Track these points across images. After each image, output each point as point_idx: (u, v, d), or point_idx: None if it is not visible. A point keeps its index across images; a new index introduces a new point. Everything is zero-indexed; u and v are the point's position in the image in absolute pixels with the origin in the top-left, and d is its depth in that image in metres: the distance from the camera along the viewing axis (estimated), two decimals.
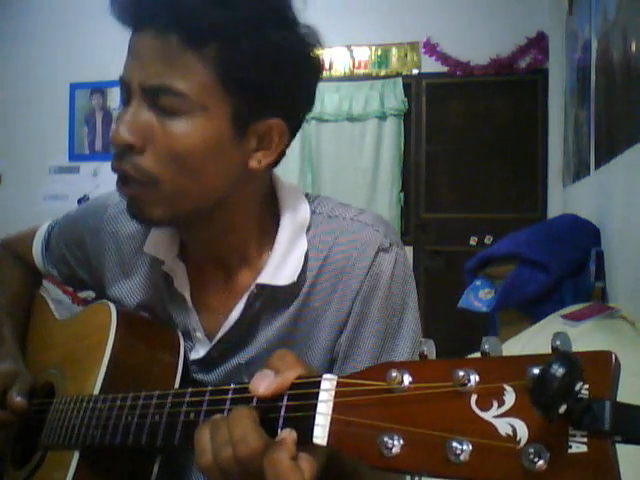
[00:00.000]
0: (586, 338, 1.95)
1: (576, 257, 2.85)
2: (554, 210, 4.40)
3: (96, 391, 0.84)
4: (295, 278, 0.87)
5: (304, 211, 0.92)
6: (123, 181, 0.81)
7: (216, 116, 0.79)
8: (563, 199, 4.35)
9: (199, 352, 0.93)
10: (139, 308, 0.98)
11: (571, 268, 2.85)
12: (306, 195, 0.96)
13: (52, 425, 0.90)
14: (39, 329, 1.13)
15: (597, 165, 3.02)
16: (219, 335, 0.91)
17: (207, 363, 0.94)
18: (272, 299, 0.89)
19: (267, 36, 0.78)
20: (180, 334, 0.94)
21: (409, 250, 5.00)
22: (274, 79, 0.80)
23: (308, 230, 0.91)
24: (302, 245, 0.89)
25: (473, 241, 4.81)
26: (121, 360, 0.87)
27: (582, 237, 2.92)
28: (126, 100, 0.80)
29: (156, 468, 0.84)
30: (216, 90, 0.78)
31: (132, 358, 0.89)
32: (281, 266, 0.87)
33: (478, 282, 3.18)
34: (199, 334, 0.93)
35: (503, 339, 2.98)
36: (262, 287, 0.88)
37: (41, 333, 1.12)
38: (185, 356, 0.92)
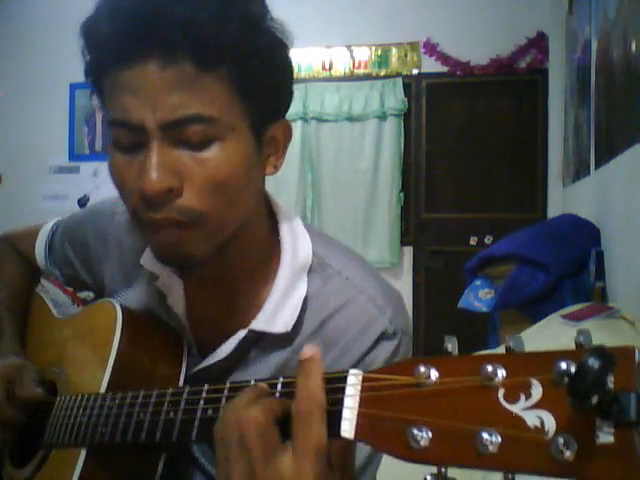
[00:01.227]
0: None
1: (576, 257, 2.86)
2: (554, 210, 4.41)
3: (102, 389, 0.84)
4: (289, 328, 0.83)
5: (306, 249, 0.88)
6: (163, 228, 0.75)
7: (242, 133, 0.76)
8: (563, 199, 4.36)
9: (191, 368, 0.91)
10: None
11: (571, 268, 2.86)
12: (308, 229, 0.91)
13: (56, 423, 0.89)
14: (38, 327, 1.12)
15: (597, 165, 3.03)
16: (206, 363, 0.89)
17: (195, 380, 0.90)
18: (262, 341, 0.86)
19: (269, 41, 0.76)
20: (185, 338, 0.93)
21: (409, 250, 5.01)
22: (279, 81, 0.80)
23: (310, 271, 0.87)
24: (301, 288, 0.85)
25: (473, 241, 4.81)
26: (127, 359, 0.86)
27: (582, 237, 2.92)
28: (137, 145, 0.73)
29: (161, 466, 0.83)
30: (236, 106, 0.75)
31: (138, 357, 0.88)
32: (278, 310, 0.84)
33: (478, 282, 3.19)
34: (193, 350, 0.92)
35: (503, 339, 2.99)
36: (255, 332, 0.85)
37: (40, 331, 1.11)
38: None
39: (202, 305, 0.91)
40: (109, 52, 0.72)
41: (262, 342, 0.86)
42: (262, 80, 0.76)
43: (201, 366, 0.89)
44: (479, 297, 3.14)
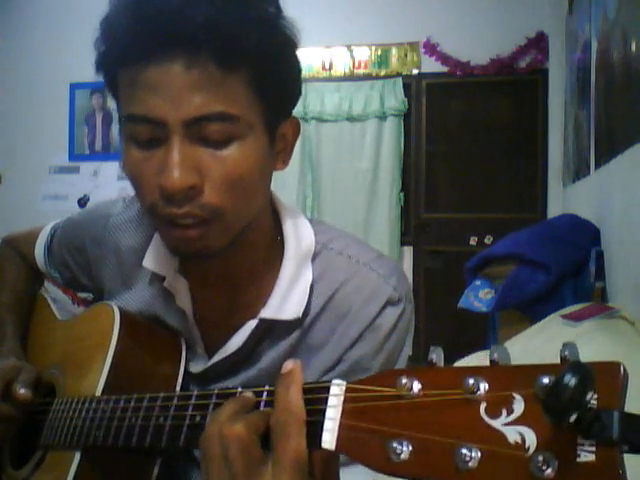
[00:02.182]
0: (586, 338, 1.96)
1: (576, 257, 2.86)
2: (554, 210, 4.41)
3: (98, 392, 0.84)
4: (300, 314, 0.85)
5: (308, 238, 0.90)
6: (183, 226, 0.76)
7: (258, 132, 0.77)
8: (563, 199, 4.36)
9: (197, 366, 0.92)
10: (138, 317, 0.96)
11: (571, 268, 2.85)
12: (310, 220, 0.94)
13: (53, 425, 0.90)
14: (40, 329, 1.13)
15: (597, 165, 3.03)
16: (216, 358, 0.90)
17: (203, 379, 0.92)
18: (273, 329, 0.88)
19: (284, 41, 0.78)
20: (183, 340, 0.94)
21: (409, 250, 5.01)
22: (292, 80, 0.82)
23: (314, 259, 0.89)
24: (307, 275, 0.87)
25: (473, 241, 4.81)
26: (124, 362, 0.87)
27: (582, 237, 2.92)
28: (156, 140, 0.74)
29: (156, 470, 0.83)
30: (255, 105, 0.76)
31: (135, 360, 0.89)
32: (286, 298, 0.86)
33: (478, 282, 3.19)
34: (199, 349, 0.93)
35: (503, 339, 2.99)
36: (265, 320, 0.87)
37: (42, 333, 1.12)
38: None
39: (207, 303, 0.92)
40: (130, 48, 0.72)
41: (273, 331, 0.88)
42: (278, 79, 0.78)
43: (210, 363, 0.90)
44: (479, 297, 3.14)
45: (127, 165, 0.78)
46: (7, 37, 5.69)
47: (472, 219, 4.88)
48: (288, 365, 0.58)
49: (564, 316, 2.34)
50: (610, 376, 0.40)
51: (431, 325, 4.75)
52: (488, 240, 4.67)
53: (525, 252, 2.92)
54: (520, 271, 2.90)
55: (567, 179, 4.19)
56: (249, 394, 0.62)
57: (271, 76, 0.76)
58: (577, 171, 3.71)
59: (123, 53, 0.74)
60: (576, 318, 2.26)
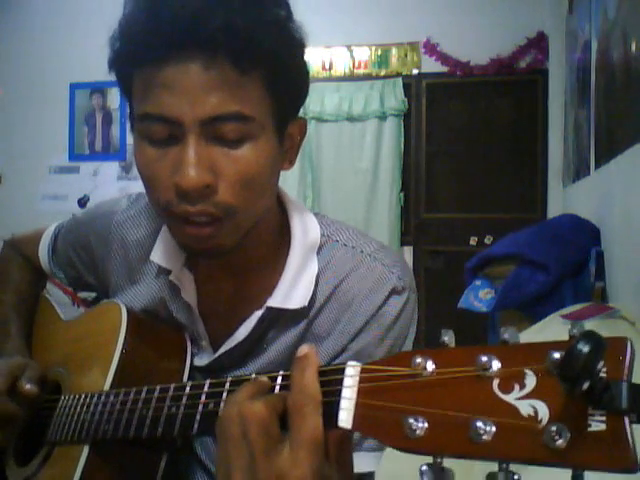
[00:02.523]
0: None
1: (576, 257, 2.86)
2: (554, 210, 4.41)
3: (106, 388, 0.85)
4: (306, 303, 0.87)
5: (314, 231, 0.92)
6: (198, 224, 0.77)
7: (270, 132, 0.79)
8: (563, 199, 4.36)
9: (202, 360, 0.94)
10: (144, 313, 0.98)
11: (571, 268, 2.86)
12: (316, 214, 0.96)
13: (60, 421, 0.90)
14: (44, 329, 1.14)
15: (597, 165, 3.03)
16: (223, 349, 0.91)
17: (209, 372, 0.93)
18: (280, 319, 0.90)
19: (295, 42, 0.80)
20: (188, 336, 0.95)
21: (409, 250, 5.01)
22: (301, 81, 0.83)
23: (319, 251, 0.91)
24: (313, 266, 0.89)
25: (473, 241, 4.82)
26: (131, 359, 0.88)
27: (582, 237, 2.92)
28: (171, 139, 0.76)
29: (163, 463, 0.85)
30: (267, 106, 0.77)
31: (142, 357, 0.90)
32: (292, 288, 0.87)
33: (478, 282, 3.19)
34: (204, 342, 0.94)
35: None
36: (272, 309, 0.88)
37: (46, 333, 1.13)
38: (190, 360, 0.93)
39: (212, 295, 0.93)
40: (148, 49, 0.73)
41: (279, 321, 0.90)
42: (290, 81, 0.80)
43: (216, 355, 0.92)
44: (479, 297, 3.14)
45: (140, 163, 0.79)
46: (7, 37, 5.69)
47: (472, 219, 4.89)
48: (304, 349, 0.59)
49: (564, 316, 2.34)
50: (619, 350, 0.41)
51: (431, 325, 4.76)
52: (488, 240, 4.68)
53: (525, 252, 2.92)
54: (520, 271, 2.91)
55: (567, 179, 4.19)
56: (264, 378, 0.63)
57: (283, 77, 0.78)
58: (577, 171, 3.72)
59: (140, 53, 0.75)
60: (576, 318, 2.27)
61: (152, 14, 0.73)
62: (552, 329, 2.30)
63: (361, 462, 0.84)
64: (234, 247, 0.82)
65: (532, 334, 2.42)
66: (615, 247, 2.60)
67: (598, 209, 2.97)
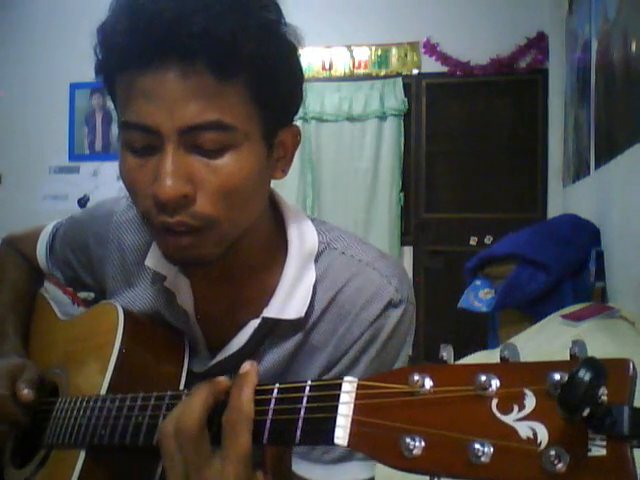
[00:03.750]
0: (586, 338, 1.95)
1: (576, 257, 2.86)
2: (554, 210, 4.41)
3: (102, 392, 0.84)
4: (303, 313, 0.85)
5: (312, 238, 0.90)
6: (177, 233, 0.76)
7: (255, 141, 0.76)
8: (563, 199, 4.37)
9: (200, 366, 0.93)
10: (141, 316, 0.96)
11: (571, 268, 2.86)
12: (314, 220, 0.94)
13: (57, 424, 0.90)
14: (41, 329, 1.13)
15: (597, 165, 3.03)
16: (219, 358, 0.90)
17: (206, 378, 0.92)
18: (276, 329, 0.88)
19: (285, 48, 0.77)
20: (186, 339, 0.94)
21: (409, 250, 5.01)
22: (292, 87, 0.81)
23: (317, 258, 0.89)
24: (310, 275, 0.87)
25: (473, 241, 4.82)
26: (128, 361, 0.87)
27: (582, 237, 2.93)
28: (150, 148, 0.74)
29: (160, 469, 0.83)
30: (252, 114, 0.75)
31: (139, 360, 0.89)
32: (289, 297, 0.86)
33: (478, 282, 3.19)
34: (202, 348, 0.93)
35: (503, 339, 2.99)
36: (268, 319, 0.87)
37: (43, 333, 1.12)
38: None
39: (210, 302, 0.91)
40: (126, 55, 0.72)
41: (275, 331, 0.88)
42: (277, 87, 0.77)
43: (213, 362, 0.91)
44: (479, 297, 3.15)
45: (122, 172, 0.78)
46: (7, 37, 5.69)
47: (472, 219, 4.89)
48: (245, 366, 0.62)
49: (564, 316, 2.35)
50: (620, 372, 0.40)
51: (431, 325, 4.76)
52: (488, 240, 4.67)
53: (525, 252, 2.92)
54: (520, 271, 2.91)
55: (567, 179, 4.19)
56: (221, 378, 0.66)
57: (270, 84, 0.75)
58: (577, 171, 3.72)
59: (119, 60, 0.73)
60: (576, 318, 2.27)
61: (131, 20, 0.71)
62: (552, 329, 2.30)
63: (355, 471, 0.84)
64: (218, 257, 0.80)
65: (532, 334, 2.42)
66: (615, 247, 2.60)
67: (598, 209, 2.97)
